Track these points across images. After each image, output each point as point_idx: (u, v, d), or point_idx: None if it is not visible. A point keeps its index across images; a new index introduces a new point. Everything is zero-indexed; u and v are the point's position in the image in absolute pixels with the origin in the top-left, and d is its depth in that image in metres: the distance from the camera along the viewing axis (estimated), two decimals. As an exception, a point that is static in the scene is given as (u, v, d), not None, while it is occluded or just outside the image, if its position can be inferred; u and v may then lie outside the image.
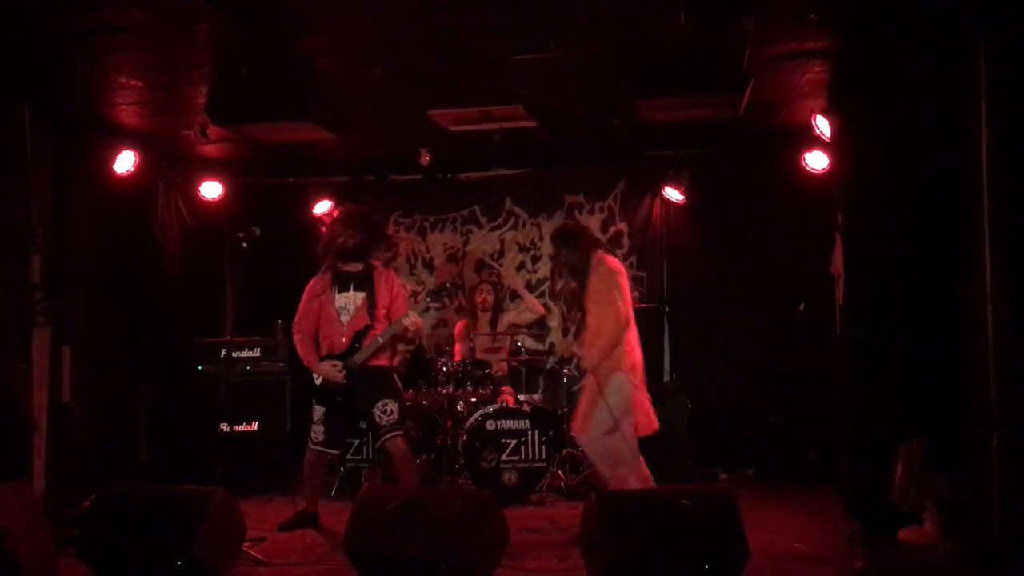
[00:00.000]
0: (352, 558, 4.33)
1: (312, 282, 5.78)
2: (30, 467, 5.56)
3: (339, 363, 5.53)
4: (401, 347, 6.52)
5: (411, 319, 5.55)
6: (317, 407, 5.64)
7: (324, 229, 8.23)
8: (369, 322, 5.58)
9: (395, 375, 5.83)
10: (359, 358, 5.53)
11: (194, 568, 4.24)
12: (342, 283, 5.64)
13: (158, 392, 7.15)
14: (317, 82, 5.58)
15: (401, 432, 5.60)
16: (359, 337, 5.57)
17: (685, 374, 7.49)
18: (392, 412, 5.55)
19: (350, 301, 5.62)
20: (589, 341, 5.22)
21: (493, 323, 7.34)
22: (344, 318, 5.60)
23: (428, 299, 5.76)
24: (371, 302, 5.60)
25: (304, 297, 5.74)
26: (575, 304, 5.38)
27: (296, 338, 5.71)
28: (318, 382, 5.61)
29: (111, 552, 4.35)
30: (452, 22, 4.78)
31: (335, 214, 7.31)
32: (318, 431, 5.61)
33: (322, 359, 5.60)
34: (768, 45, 5.06)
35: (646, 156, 7.65)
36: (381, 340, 5.55)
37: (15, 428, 5.41)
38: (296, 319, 5.73)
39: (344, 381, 5.52)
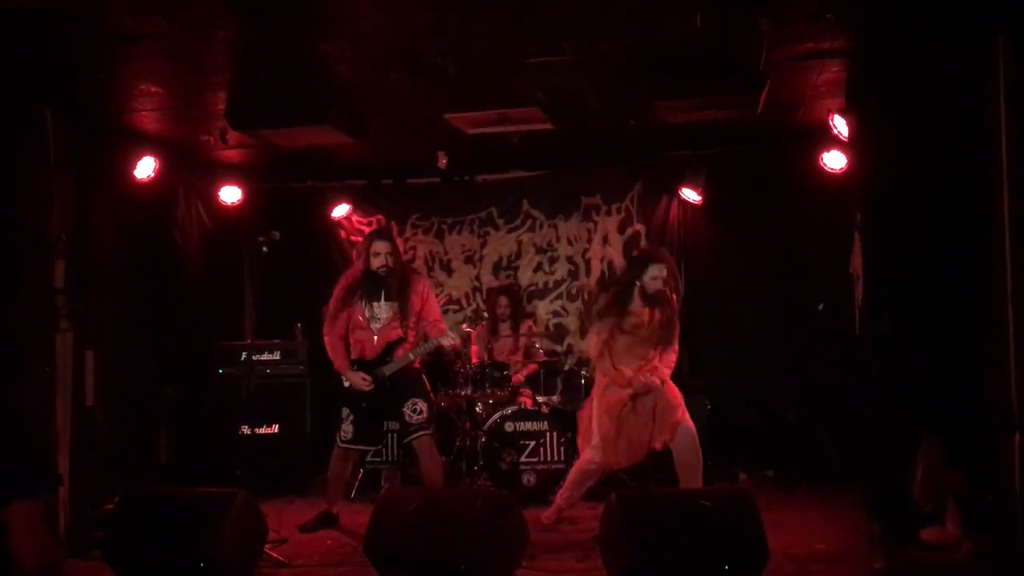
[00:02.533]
0: (372, 559, 4.36)
1: (343, 280, 5.79)
2: (54, 486, 5.55)
3: (368, 377, 5.54)
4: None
5: (449, 340, 5.57)
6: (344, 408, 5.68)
7: (343, 233, 8.30)
8: (402, 334, 5.61)
9: (423, 376, 5.86)
10: (388, 370, 5.56)
11: (216, 570, 4.28)
12: (373, 292, 5.64)
13: (179, 395, 7.20)
14: (335, 86, 5.60)
15: (429, 431, 5.63)
16: (391, 348, 5.60)
17: (704, 375, 7.45)
18: (422, 411, 5.58)
19: (380, 310, 5.63)
20: (663, 360, 5.42)
21: (514, 328, 7.35)
22: (374, 326, 5.62)
23: (463, 323, 5.80)
24: (403, 313, 5.61)
25: (334, 296, 5.74)
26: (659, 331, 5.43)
27: (327, 340, 5.71)
28: (346, 385, 5.64)
29: (134, 554, 4.40)
30: (469, 25, 4.79)
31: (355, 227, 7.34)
32: (347, 430, 5.64)
33: (352, 362, 5.63)
34: (785, 45, 5.05)
35: (663, 157, 7.63)
36: (412, 356, 5.57)
37: (35, 445, 5.37)
38: (327, 320, 5.73)
39: (371, 391, 5.56)
